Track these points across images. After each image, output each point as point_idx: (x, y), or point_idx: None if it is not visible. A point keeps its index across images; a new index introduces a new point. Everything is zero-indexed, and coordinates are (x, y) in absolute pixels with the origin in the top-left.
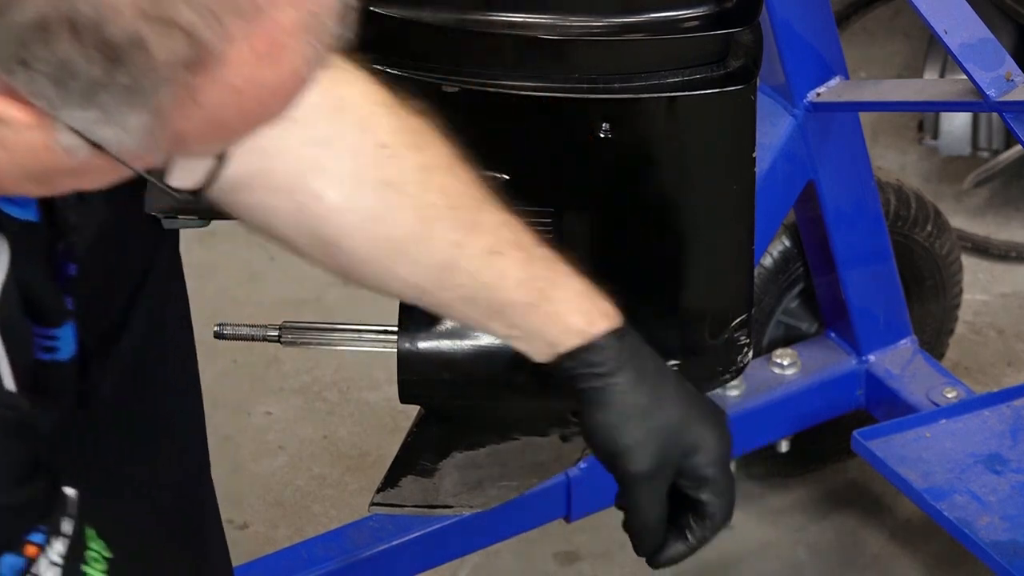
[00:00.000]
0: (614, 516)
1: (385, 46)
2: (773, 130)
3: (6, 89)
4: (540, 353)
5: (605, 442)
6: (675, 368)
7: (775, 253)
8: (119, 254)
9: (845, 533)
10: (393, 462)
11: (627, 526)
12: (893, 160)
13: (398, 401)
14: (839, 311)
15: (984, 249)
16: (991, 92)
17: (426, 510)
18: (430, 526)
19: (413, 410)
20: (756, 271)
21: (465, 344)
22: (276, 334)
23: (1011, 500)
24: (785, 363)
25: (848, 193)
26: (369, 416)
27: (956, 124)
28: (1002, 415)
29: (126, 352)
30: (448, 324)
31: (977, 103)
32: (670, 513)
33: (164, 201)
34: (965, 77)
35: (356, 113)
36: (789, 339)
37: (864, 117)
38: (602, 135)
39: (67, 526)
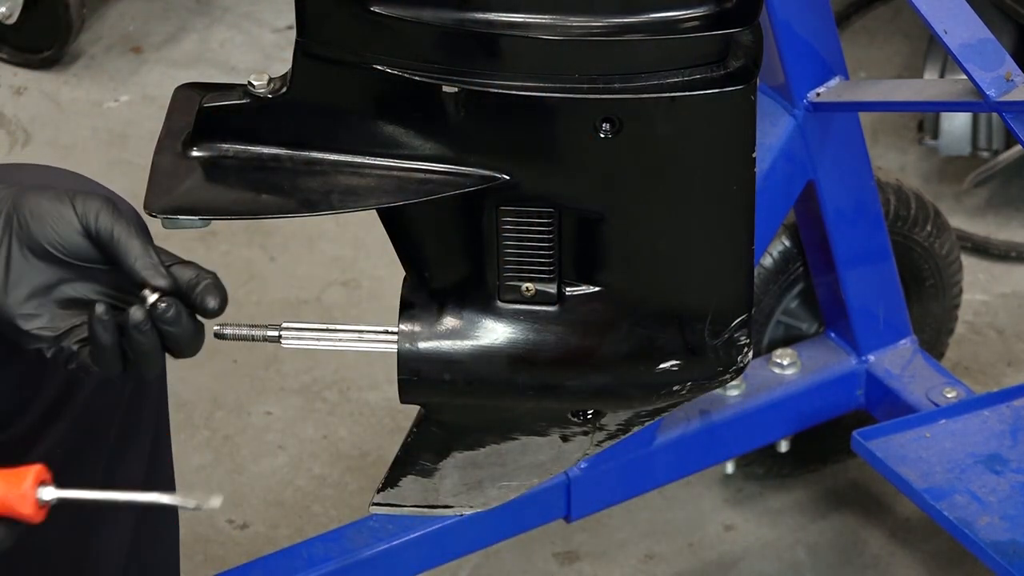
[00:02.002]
0: (614, 516)
1: (385, 46)
2: (773, 130)
3: None
4: None
5: None
6: (674, 368)
7: (775, 253)
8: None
9: (845, 533)
10: (393, 462)
11: None
12: (893, 160)
13: (398, 401)
14: (839, 311)
15: (984, 249)
16: (991, 92)
17: (426, 510)
18: (430, 526)
19: (413, 410)
20: (756, 271)
21: (465, 344)
22: (276, 334)
23: (1011, 500)
24: (785, 363)
25: (848, 193)
26: (369, 416)
27: (956, 124)
28: (1002, 415)
29: None
30: (448, 324)
31: (977, 103)
32: None
33: (163, 200)
34: (965, 77)
35: None
36: (789, 339)
37: (864, 117)
38: (602, 135)
39: None
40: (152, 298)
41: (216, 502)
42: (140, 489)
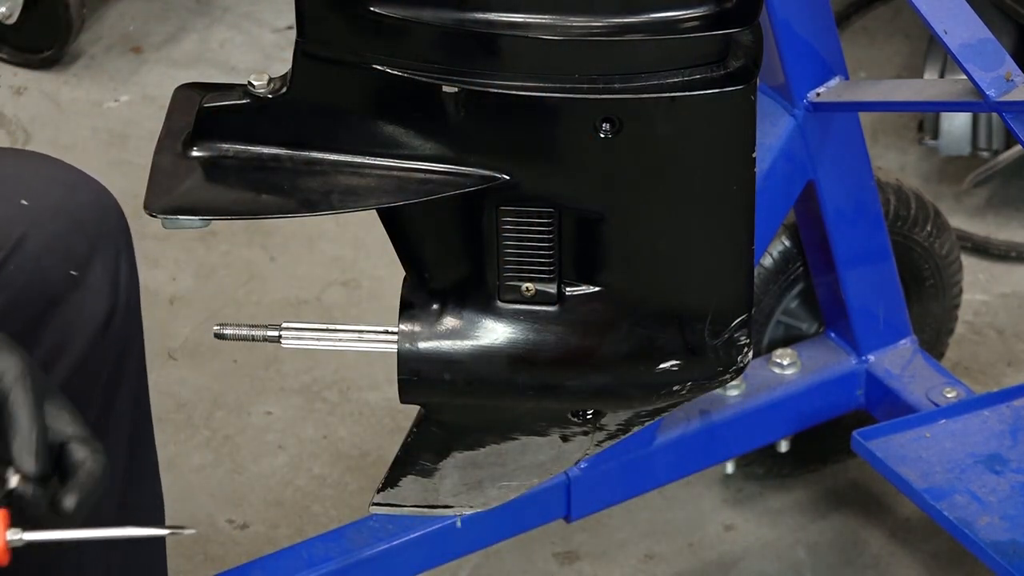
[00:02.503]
0: (614, 516)
1: (385, 46)
2: (773, 130)
3: None
4: None
5: None
6: (674, 368)
7: (775, 253)
8: None
9: (845, 533)
10: (393, 462)
11: None
12: (893, 160)
13: (398, 401)
14: (839, 311)
15: (984, 249)
16: (991, 92)
17: (426, 510)
18: (430, 526)
19: (413, 410)
20: (756, 271)
21: (465, 344)
22: (276, 334)
23: (1011, 500)
24: (785, 363)
25: (848, 193)
26: (369, 416)
27: (956, 124)
28: (1002, 415)
29: None
30: (448, 324)
31: (977, 103)
32: None
33: (164, 200)
34: (965, 77)
35: None
36: (789, 339)
37: (864, 117)
38: (602, 135)
39: None
40: (12, 481)
41: (189, 531)
42: (120, 483)
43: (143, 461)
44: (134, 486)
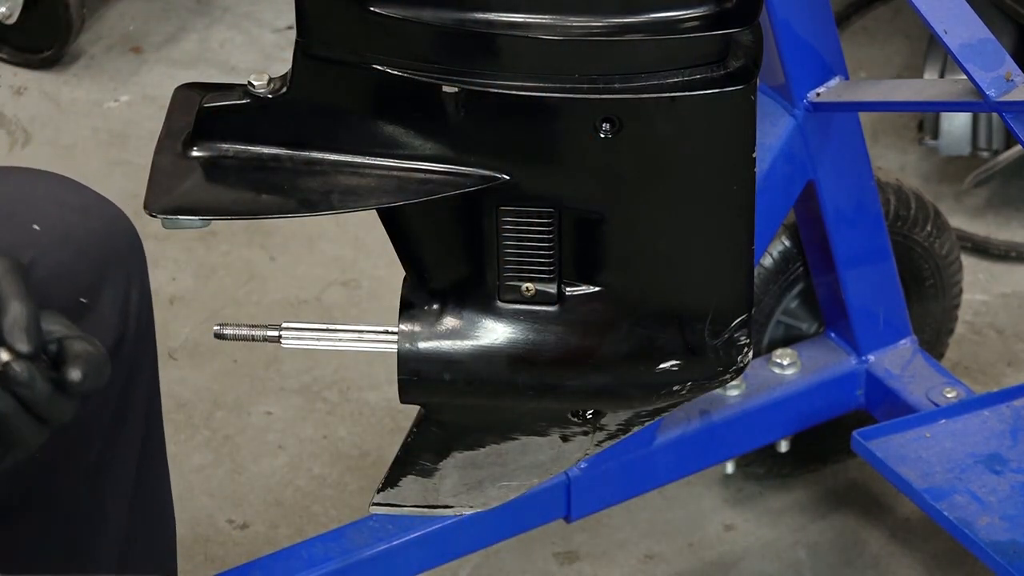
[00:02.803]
0: (614, 516)
1: (385, 46)
2: (773, 130)
3: None
4: None
5: None
6: (674, 368)
7: (775, 253)
8: None
9: (845, 533)
10: (393, 462)
11: None
12: (893, 160)
13: (398, 401)
14: (839, 311)
15: (984, 249)
16: (991, 92)
17: (426, 510)
18: (430, 526)
19: (413, 410)
20: (756, 271)
21: (465, 344)
22: (276, 334)
23: (1011, 500)
24: (785, 363)
25: (848, 193)
26: (369, 416)
27: (956, 124)
28: (1002, 415)
29: None
30: (448, 324)
31: (977, 103)
32: None
33: (163, 200)
34: (965, 77)
35: None
36: (789, 339)
37: (864, 117)
38: (602, 135)
39: None
40: (3, 355)
41: None
42: (127, 511)
43: (152, 485)
44: (141, 513)
